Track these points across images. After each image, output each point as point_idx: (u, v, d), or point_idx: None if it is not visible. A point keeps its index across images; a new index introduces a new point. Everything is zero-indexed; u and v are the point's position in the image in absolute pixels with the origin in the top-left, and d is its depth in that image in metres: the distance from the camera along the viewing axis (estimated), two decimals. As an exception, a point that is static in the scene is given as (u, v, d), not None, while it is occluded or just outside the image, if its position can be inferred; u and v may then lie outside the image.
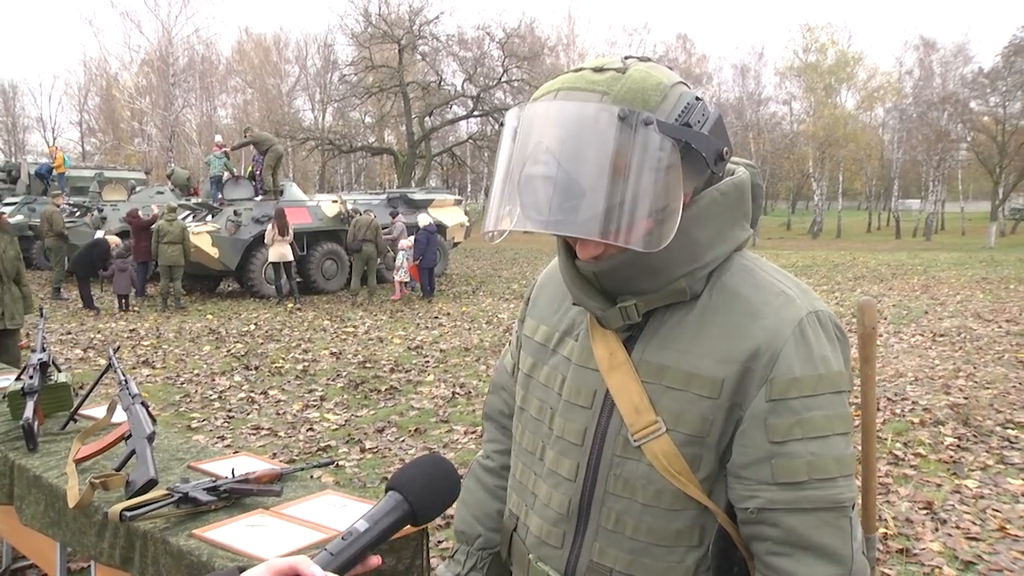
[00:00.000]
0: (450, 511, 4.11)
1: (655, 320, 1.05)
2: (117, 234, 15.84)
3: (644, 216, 0.93)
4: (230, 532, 1.86)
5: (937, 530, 3.84)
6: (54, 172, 20.91)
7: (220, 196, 15.14)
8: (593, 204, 0.91)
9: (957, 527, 3.87)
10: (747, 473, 0.98)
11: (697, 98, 0.97)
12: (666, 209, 0.94)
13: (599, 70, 0.97)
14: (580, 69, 0.99)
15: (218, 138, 19.27)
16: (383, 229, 14.47)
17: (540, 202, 0.94)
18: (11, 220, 16.87)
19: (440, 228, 16.06)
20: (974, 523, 3.92)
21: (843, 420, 0.98)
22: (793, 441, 0.96)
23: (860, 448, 1.42)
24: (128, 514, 1.85)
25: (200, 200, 15.82)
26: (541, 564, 1.14)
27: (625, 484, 1.04)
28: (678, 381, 1.01)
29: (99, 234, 13.61)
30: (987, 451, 5.09)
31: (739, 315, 1.01)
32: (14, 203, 19.71)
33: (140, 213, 13.83)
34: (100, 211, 16.24)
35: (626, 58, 1.00)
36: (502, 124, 1.03)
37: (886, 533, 3.76)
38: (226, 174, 15.98)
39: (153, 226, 12.73)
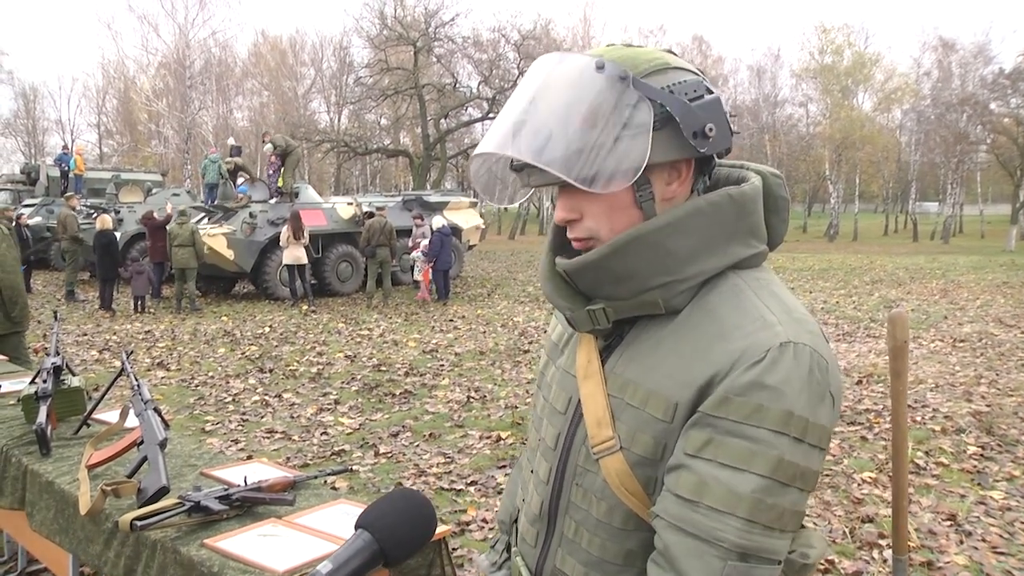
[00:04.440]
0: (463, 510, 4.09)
1: (634, 332, 1.02)
2: (133, 236, 16.00)
3: (601, 163, 0.92)
4: (242, 542, 1.83)
5: (962, 543, 3.75)
6: (71, 173, 21.10)
7: (241, 196, 15.19)
8: (555, 143, 0.93)
9: (983, 540, 3.78)
10: (664, 478, 0.94)
11: (701, 83, 0.97)
12: (627, 166, 0.92)
13: (612, 45, 1.00)
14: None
15: (230, 140, 19.34)
16: (413, 230, 14.52)
17: (520, 135, 0.96)
18: (30, 221, 17.11)
19: (455, 230, 16.06)
20: (1001, 536, 3.83)
21: (771, 463, 0.87)
22: (701, 459, 0.89)
23: (890, 466, 1.37)
24: (139, 523, 1.83)
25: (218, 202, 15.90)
26: (519, 559, 1.17)
27: (584, 495, 1.03)
28: (638, 399, 0.97)
29: (117, 236, 13.71)
30: (1012, 461, 4.99)
31: (708, 337, 0.94)
32: (33, 204, 19.93)
33: (155, 214, 13.93)
34: (117, 212, 16.37)
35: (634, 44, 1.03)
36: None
37: (909, 546, 3.68)
38: (241, 176, 16.05)
39: (168, 227, 12.84)
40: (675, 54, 1.02)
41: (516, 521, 1.25)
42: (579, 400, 1.04)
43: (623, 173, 0.92)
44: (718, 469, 0.88)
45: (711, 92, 0.97)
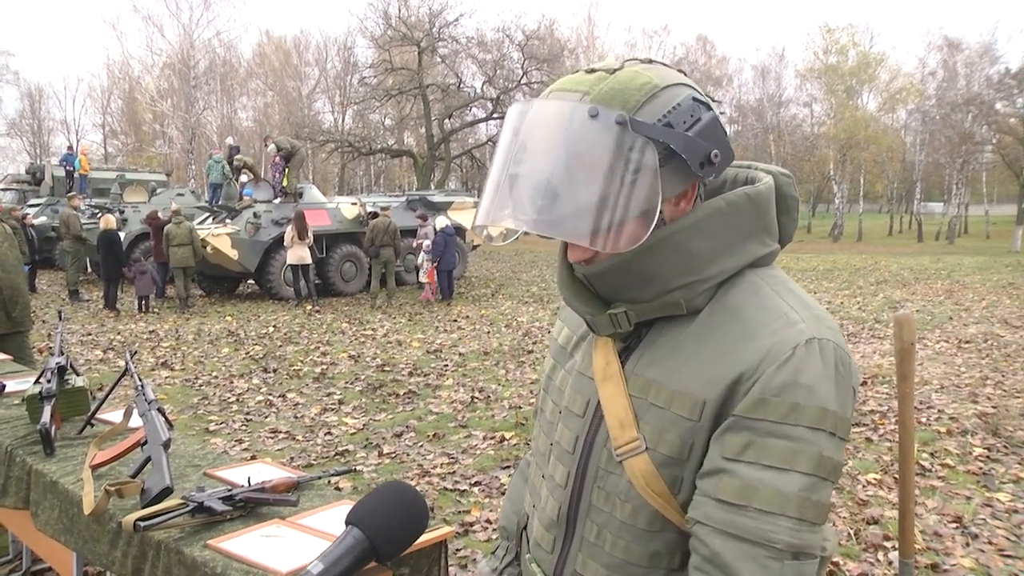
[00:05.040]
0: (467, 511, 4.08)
1: (653, 333, 1.02)
2: (137, 236, 16.03)
3: (613, 217, 0.90)
4: (245, 543, 1.82)
5: (968, 545, 3.73)
6: (76, 173, 21.15)
7: (246, 198, 15.20)
8: (562, 203, 0.91)
9: (990, 543, 3.76)
10: (699, 483, 0.94)
11: (695, 99, 0.94)
12: (640, 212, 0.91)
13: (592, 71, 0.96)
14: (576, 72, 0.98)
15: (229, 140, 19.34)
16: (417, 231, 14.54)
17: (520, 200, 0.94)
18: (35, 221, 17.14)
19: (459, 230, 16.05)
20: (1008, 539, 3.80)
21: (813, 460, 0.88)
22: (743, 463, 0.89)
23: (895, 468, 1.35)
24: (142, 524, 1.82)
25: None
26: (534, 566, 1.15)
27: (607, 498, 1.02)
28: (662, 399, 0.97)
29: (121, 236, 13.75)
30: (1019, 463, 4.96)
31: (733, 336, 0.95)
32: (38, 204, 19.97)
33: (159, 214, 13.98)
34: (121, 212, 16.41)
35: (629, 60, 0.98)
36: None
37: (915, 548, 3.67)
38: (246, 175, 16.04)
39: (165, 227, 13.00)
40: (660, 62, 1.00)
41: (525, 528, 1.24)
42: (598, 402, 1.03)
43: (639, 222, 0.91)
44: (762, 471, 0.88)
45: (704, 105, 0.95)
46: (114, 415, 2.84)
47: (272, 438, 5.63)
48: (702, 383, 0.94)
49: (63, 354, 2.90)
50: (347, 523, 0.80)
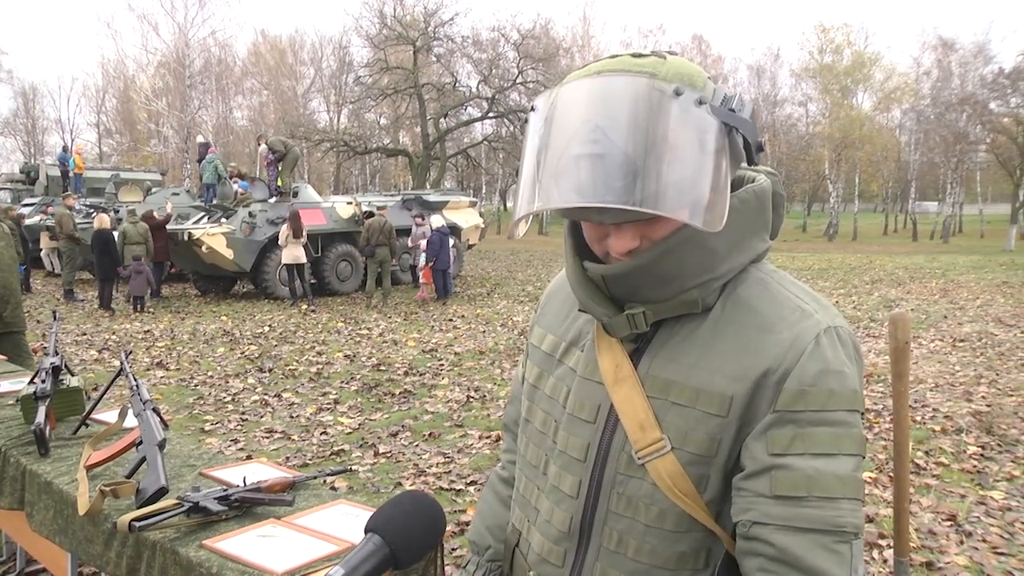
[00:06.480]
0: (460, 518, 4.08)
1: (664, 332, 1.01)
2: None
3: (703, 194, 0.87)
4: (241, 543, 1.82)
5: (962, 543, 3.75)
6: (71, 172, 21.09)
7: (242, 192, 15.17)
8: (653, 180, 0.85)
9: (984, 540, 3.77)
10: (746, 485, 0.93)
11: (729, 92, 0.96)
12: (720, 192, 0.89)
13: (638, 56, 0.93)
14: (616, 56, 0.95)
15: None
16: (413, 230, 14.54)
17: (589, 180, 0.86)
18: (29, 221, 17.08)
19: (455, 230, 16.04)
20: (1001, 536, 3.82)
21: (853, 441, 0.92)
22: (793, 456, 0.90)
23: (892, 466, 1.36)
24: (137, 524, 1.82)
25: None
26: None
27: (628, 503, 1.00)
28: (685, 397, 0.97)
29: (115, 235, 13.76)
30: (1013, 461, 4.98)
31: (752, 330, 0.96)
32: (33, 204, 19.91)
33: (155, 213, 13.98)
34: (116, 212, 16.36)
35: (652, 51, 0.98)
36: (533, 109, 0.96)
37: (910, 546, 3.68)
38: (234, 173, 16.03)
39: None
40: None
41: (517, 545, 1.19)
42: (611, 406, 1.02)
43: (720, 202, 0.89)
44: (814, 460, 0.90)
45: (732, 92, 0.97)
46: (109, 415, 2.83)
47: (268, 438, 5.62)
48: (726, 379, 0.95)
49: (58, 354, 2.90)
50: (367, 530, 0.81)
